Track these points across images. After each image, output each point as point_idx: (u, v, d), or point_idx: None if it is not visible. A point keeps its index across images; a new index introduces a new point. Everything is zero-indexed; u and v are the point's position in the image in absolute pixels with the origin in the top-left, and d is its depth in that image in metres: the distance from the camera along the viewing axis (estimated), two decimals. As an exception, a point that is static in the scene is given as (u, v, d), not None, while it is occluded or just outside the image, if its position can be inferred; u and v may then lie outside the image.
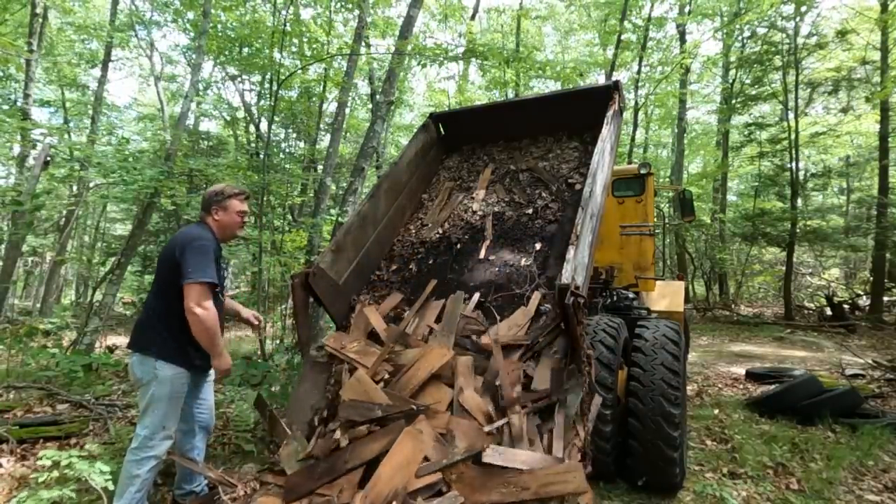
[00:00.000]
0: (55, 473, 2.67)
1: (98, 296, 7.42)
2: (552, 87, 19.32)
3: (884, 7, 12.75)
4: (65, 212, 13.67)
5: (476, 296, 3.10)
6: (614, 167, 3.94)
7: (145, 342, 2.59)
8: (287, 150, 15.09)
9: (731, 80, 17.38)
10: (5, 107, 12.06)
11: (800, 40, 14.59)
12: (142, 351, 2.58)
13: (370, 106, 15.31)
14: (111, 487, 2.59)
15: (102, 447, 3.28)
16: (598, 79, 19.06)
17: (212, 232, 2.70)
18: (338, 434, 2.34)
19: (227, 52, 11.45)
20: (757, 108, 17.22)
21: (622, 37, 14.64)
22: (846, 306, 13.80)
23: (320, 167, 11.15)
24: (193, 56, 10.57)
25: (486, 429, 2.21)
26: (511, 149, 4.27)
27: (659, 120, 21.36)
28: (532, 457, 2.03)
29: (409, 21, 7.63)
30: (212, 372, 2.85)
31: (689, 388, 5.69)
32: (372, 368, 2.67)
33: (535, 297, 2.91)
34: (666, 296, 5.58)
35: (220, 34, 10.65)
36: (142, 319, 2.68)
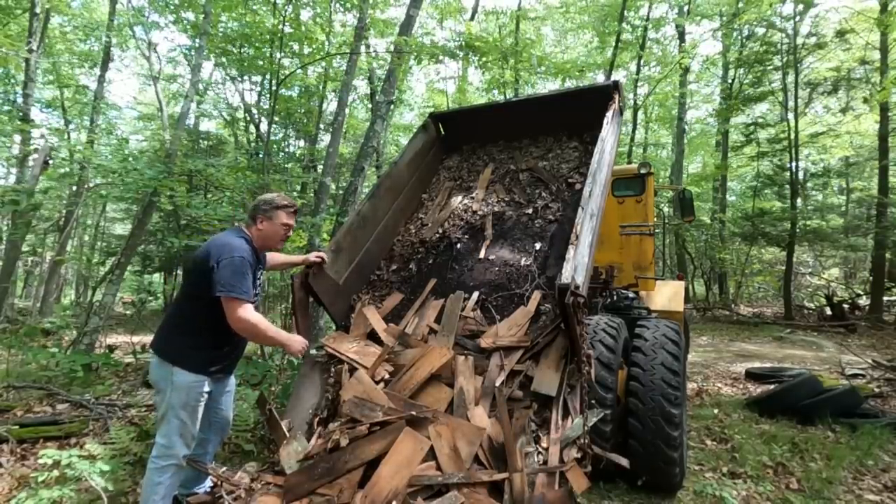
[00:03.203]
0: (55, 473, 2.67)
1: (98, 296, 7.41)
2: (552, 86, 19.32)
3: (883, 7, 12.75)
4: (64, 212, 13.67)
5: (475, 294, 3.10)
6: (614, 167, 3.94)
7: (164, 346, 2.56)
8: (286, 151, 15.08)
9: (730, 81, 17.39)
10: (6, 108, 12.05)
11: (799, 40, 14.60)
12: (160, 354, 2.53)
13: (370, 105, 15.30)
14: (111, 488, 2.59)
15: (102, 447, 3.28)
16: (597, 79, 19.07)
17: (249, 241, 2.61)
18: (337, 434, 2.33)
19: (227, 53, 11.44)
20: (757, 107, 17.23)
21: (621, 37, 14.63)
22: (846, 306, 13.81)
23: (320, 167, 11.15)
24: (193, 54, 10.56)
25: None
26: (511, 148, 4.27)
27: (658, 120, 21.35)
28: None
29: (408, 21, 7.64)
30: (232, 381, 2.84)
31: (688, 387, 5.70)
32: (372, 369, 2.66)
33: (535, 296, 2.91)
34: (666, 296, 5.58)
35: (220, 34, 10.64)
36: (165, 322, 2.65)
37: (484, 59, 7.11)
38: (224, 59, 12.06)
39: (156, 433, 2.54)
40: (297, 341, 2.57)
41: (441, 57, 6.88)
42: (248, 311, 2.41)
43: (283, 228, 2.66)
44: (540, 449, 2.21)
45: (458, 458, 2.17)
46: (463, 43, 6.60)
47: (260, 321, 2.45)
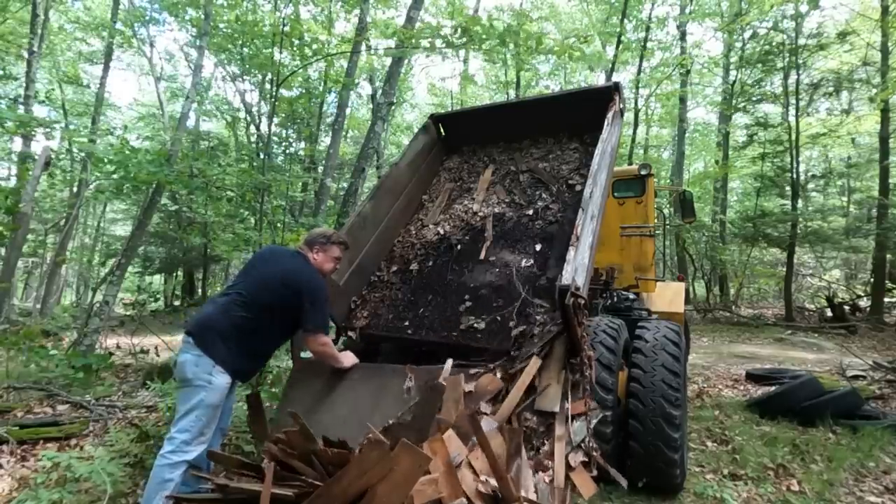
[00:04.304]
0: (55, 474, 2.67)
1: (98, 296, 7.41)
2: (554, 85, 19.31)
3: (884, 10, 12.75)
4: (65, 214, 13.68)
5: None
6: (615, 168, 3.94)
7: (212, 345, 2.52)
8: (287, 151, 15.08)
9: (731, 81, 17.38)
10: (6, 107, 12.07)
11: (801, 41, 14.58)
12: (206, 350, 2.50)
13: (371, 105, 15.32)
14: (110, 490, 2.58)
15: (103, 448, 3.28)
16: (598, 78, 19.08)
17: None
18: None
19: (228, 50, 11.44)
20: (759, 108, 17.19)
21: (622, 37, 14.63)
22: (847, 307, 13.79)
23: (321, 168, 11.15)
24: (194, 53, 10.57)
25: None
26: (511, 150, 4.26)
27: (660, 120, 21.34)
28: None
29: (409, 23, 7.65)
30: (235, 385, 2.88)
31: (689, 389, 5.69)
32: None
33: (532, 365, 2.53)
34: (666, 297, 5.58)
35: (220, 33, 10.64)
36: (219, 323, 2.58)
37: (483, 44, 6.97)
38: (224, 56, 12.04)
39: (174, 429, 2.48)
40: (349, 360, 2.90)
41: (440, 45, 6.78)
42: (326, 339, 2.79)
43: (334, 262, 2.95)
44: (543, 461, 2.18)
45: (455, 478, 2.03)
46: (460, 29, 6.50)
47: (331, 345, 2.85)
